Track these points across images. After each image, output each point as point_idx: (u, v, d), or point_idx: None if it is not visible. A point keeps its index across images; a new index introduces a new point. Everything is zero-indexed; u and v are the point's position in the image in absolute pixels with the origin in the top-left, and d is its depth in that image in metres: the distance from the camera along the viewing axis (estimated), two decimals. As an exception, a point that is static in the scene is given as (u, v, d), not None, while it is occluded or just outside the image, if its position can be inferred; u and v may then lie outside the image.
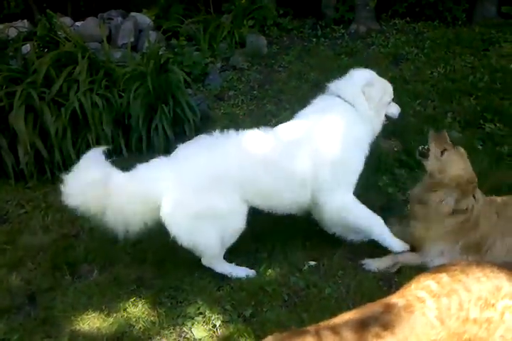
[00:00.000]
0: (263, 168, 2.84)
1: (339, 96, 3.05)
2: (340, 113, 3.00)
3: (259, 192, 2.88)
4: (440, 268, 2.03)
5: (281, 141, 2.92)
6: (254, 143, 2.90)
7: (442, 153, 2.90)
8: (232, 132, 2.93)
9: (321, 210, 2.98)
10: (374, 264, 2.92)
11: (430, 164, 2.92)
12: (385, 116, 3.20)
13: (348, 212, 2.94)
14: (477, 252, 2.81)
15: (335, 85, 3.15)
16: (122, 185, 2.78)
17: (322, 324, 1.84)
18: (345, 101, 3.03)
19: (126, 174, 2.85)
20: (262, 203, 2.95)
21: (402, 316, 1.83)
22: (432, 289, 1.90)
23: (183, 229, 2.80)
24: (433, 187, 2.88)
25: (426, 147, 2.98)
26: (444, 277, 1.93)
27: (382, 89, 3.12)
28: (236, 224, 2.88)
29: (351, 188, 2.96)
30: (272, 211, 3.01)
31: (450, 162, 2.86)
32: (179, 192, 2.77)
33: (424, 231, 2.89)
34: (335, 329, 1.77)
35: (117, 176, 2.81)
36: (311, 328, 1.80)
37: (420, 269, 2.79)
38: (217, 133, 2.92)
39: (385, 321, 1.81)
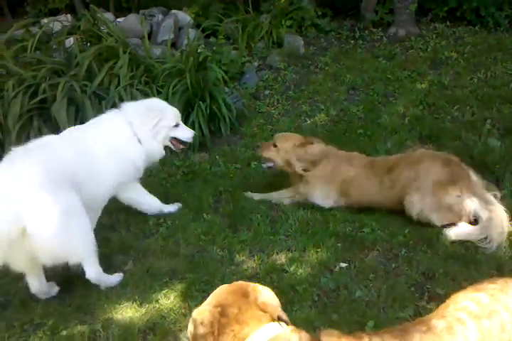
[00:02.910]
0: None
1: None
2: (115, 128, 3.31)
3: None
4: (478, 287, 1.98)
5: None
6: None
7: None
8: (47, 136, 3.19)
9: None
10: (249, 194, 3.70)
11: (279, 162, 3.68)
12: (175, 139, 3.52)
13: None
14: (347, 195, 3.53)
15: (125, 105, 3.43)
16: None
17: (373, 333, 1.83)
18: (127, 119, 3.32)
19: None
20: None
21: (444, 338, 1.79)
22: (472, 310, 1.84)
23: (55, 239, 2.68)
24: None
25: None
26: (483, 297, 1.88)
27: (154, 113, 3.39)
28: (87, 219, 2.91)
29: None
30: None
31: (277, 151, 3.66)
32: (32, 197, 2.65)
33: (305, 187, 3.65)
34: None
35: None
36: (365, 335, 1.79)
37: (453, 277, 2.78)
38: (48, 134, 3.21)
39: None
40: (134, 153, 3.32)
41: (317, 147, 3.59)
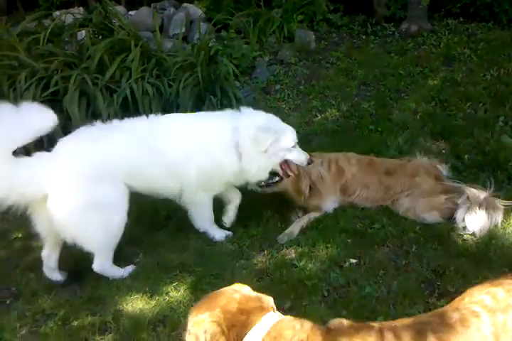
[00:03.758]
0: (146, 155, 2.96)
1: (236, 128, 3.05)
2: (221, 135, 3.05)
3: (139, 177, 2.99)
4: (494, 282, 1.98)
5: (161, 133, 3.03)
6: (135, 131, 3.03)
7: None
8: (115, 121, 3.07)
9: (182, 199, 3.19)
10: (284, 238, 3.22)
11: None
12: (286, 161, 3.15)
13: (196, 206, 3.22)
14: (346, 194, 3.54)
15: (242, 114, 3.13)
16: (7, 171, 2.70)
17: (384, 323, 1.83)
18: (237, 130, 3.04)
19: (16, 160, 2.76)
20: (139, 186, 3.03)
21: (458, 330, 1.80)
22: (487, 304, 1.85)
23: (70, 223, 2.80)
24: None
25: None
26: (499, 292, 1.88)
27: (271, 136, 3.03)
28: (119, 216, 2.93)
29: (212, 193, 3.21)
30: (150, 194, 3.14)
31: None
32: (63, 186, 2.77)
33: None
34: (396, 333, 1.75)
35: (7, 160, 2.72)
36: (376, 325, 1.80)
37: (464, 274, 2.77)
38: (98, 123, 3.02)
39: (443, 333, 1.78)
40: (222, 164, 3.05)
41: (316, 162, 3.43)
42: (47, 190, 2.75)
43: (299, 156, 3.12)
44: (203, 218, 3.28)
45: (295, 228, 3.32)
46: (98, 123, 3.01)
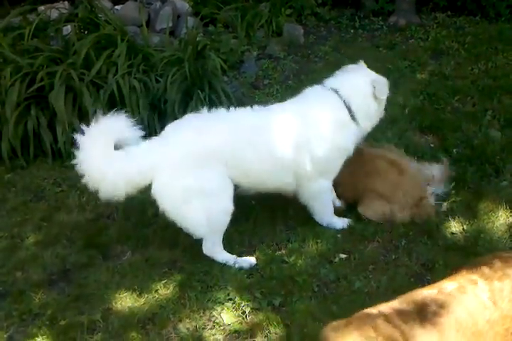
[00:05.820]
0: (251, 148, 2.92)
1: (337, 91, 3.03)
2: (329, 111, 3.01)
3: (246, 171, 2.96)
4: (491, 256, 2.05)
5: (271, 122, 2.98)
6: (244, 122, 2.98)
7: None
8: (222, 110, 3.03)
9: (302, 192, 3.13)
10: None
11: None
12: None
13: (317, 199, 3.15)
14: None
15: (337, 77, 3.13)
16: (118, 165, 2.82)
17: (381, 306, 1.90)
18: (341, 97, 3.02)
19: (122, 154, 2.86)
20: (247, 182, 3.02)
21: (455, 296, 1.88)
22: (485, 272, 1.93)
23: (172, 206, 2.86)
24: None
25: None
26: (496, 263, 1.96)
27: (386, 84, 3.12)
28: (223, 203, 2.92)
29: (330, 179, 3.13)
30: (255, 190, 3.11)
31: None
32: (169, 170, 2.83)
33: None
34: (398, 311, 1.83)
35: (114, 156, 2.85)
36: (374, 311, 1.86)
37: (453, 268, 2.77)
38: (205, 111, 3.00)
39: (441, 300, 1.86)
40: (346, 138, 3.02)
41: None
42: (153, 176, 2.82)
43: None
44: (325, 209, 3.21)
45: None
46: (204, 111, 3.00)
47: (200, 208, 2.86)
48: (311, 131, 2.97)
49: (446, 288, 1.92)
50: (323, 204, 3.20)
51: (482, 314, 1.86)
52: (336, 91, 3.03)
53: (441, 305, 1.84)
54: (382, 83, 3.09)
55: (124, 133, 2.88)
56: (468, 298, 1.88)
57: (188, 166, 2.83)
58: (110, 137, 2.85)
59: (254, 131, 2.95)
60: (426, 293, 1.92)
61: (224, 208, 2.92)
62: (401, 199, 3.18)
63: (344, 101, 3.01)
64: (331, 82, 3.12)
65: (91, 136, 2.82)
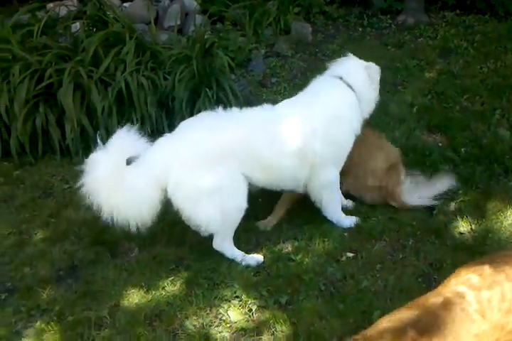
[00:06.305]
0: (268, 144, 2.93)
1: (341, 78, 3.14)
2: (340, 95, 3.13)
3: (265, 168, 2.96)
4: (484, 260, 2.01)
5: (284, 117, 3.01)
6: (257, 119, 3.00)
7: None
8: (235, 109, 3.04)
9: (312, 184, 3.13)
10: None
11: None
12: None
13: (327, 189, 3.14)
14: None
15: (336, 67, 3.23)
16: (133, 181, 2.80)
17: (361, 334, 1.82)
18: (346, 82, 3.13)
19: (135, 167, 2.83)
20: (265, 180, 3.03)
21: (439, 316, 1.81)
22: (473, 282, 1.88)
23: (186, 203, 2.86)
24: None
25: None
26: (486, 269, 1.92)
27: (378, 70, 3.30)
28: (237, 199, 2.92)
29: (339, 166, 3.15)
30: (268, 187, 3.10)
31: None
32: (183, 168, 2.83)
33: None
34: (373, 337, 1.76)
35: (127, 172, 2.81)
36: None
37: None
38: (220, 109, 3.00)
39: (421, 325, 1.78)
40: (351, 122, 3.12)
41: None
42: (168, 176, 2.82)
43: None
44: (334, 203, 3.22)
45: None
46: (220, 110, 3.00)
47: (215, 205, 2.86)
48: (327, 115, 3.04)
49: (430, 306, 1.84)
50: (334, 196, 3.21)
51: (469, 329, 1.80)
52: (341, 79, 3.13)
53: (421, 332, 1.75)
54: (375, 69, 3.25)
55: (135, 149, 2.85)
56: (454, 314, 1.81)
57: (203, 164, 2.83)
58: (121, 159, 2.81)
59: (269, 126, 2.97)
60: (406, 317, 1.82)
61: (238, 205, 2.93)
62: (360, 176, 3.29)
63: (350, 86, 3.12)
64: (333, 71, 3.21)
65: (103, 161, 2.77)
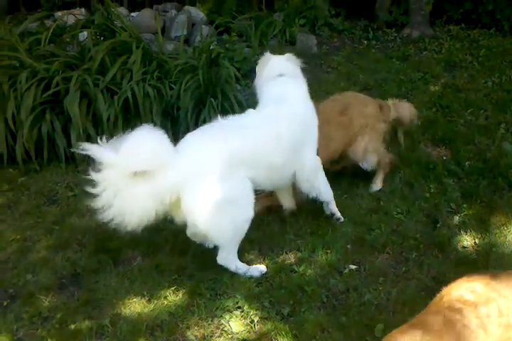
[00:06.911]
0: (270, 141, 2.99)
1: (283, 75, 3.32)
2: (298, 85, 3.35)
3: (268, 167, 3.00)
4: (470, 278, 2.00)
5: (273, 117, 3.10)
6: (256, 123, 3.06)
7: None
8: (233, 117, 3.12)
9: (301, 172, 3.18)
10: None
11: None
12: None
13: (318, 171, 3.23)
14: None
15: (270, 68, 3.39)
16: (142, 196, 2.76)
17: None
18: (290, 76, 3.34)
19: (144, 183, 2.77)
20: (267, 179, 3.06)
21: (443, 332, 1.80)
22: (467, 299, 1.88)
23: (204, 218, 2.81)
24: None
25: None
26: (476, 286, 1.92)
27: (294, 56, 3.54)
28: (247, 211, 2.91)
29: (316, 147, 3.27)
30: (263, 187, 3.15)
31: None
32: (197, 181, 2.79)
33: None
34: None
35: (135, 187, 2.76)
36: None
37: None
38: (220, 118, 3.04)
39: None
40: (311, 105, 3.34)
41: None
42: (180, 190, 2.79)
43: None
44: (327, 187, 3.29)
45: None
46: (220, 119, 3.03)
47: (229, 216, 2.85)
48: (302, 106, 3.25)
49: (432, 324, 1.82)
50: (325, 183, 3.27)
51: None
52: (283, 75, 3.32)
53: None
54: (293, 57, 3.48)
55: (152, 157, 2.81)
56: (458, 331, 1.80)
57: (215, 176, 2.80)
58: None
59: (268, 127, 3.03)
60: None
61: (248, 216, 2.92)
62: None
63: (294, 77, 3.35)
64: (272, 71, 3.36)
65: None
